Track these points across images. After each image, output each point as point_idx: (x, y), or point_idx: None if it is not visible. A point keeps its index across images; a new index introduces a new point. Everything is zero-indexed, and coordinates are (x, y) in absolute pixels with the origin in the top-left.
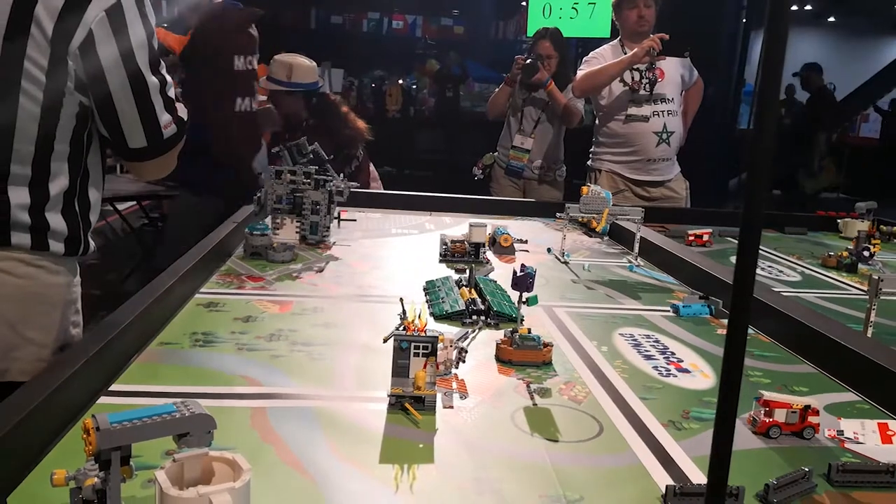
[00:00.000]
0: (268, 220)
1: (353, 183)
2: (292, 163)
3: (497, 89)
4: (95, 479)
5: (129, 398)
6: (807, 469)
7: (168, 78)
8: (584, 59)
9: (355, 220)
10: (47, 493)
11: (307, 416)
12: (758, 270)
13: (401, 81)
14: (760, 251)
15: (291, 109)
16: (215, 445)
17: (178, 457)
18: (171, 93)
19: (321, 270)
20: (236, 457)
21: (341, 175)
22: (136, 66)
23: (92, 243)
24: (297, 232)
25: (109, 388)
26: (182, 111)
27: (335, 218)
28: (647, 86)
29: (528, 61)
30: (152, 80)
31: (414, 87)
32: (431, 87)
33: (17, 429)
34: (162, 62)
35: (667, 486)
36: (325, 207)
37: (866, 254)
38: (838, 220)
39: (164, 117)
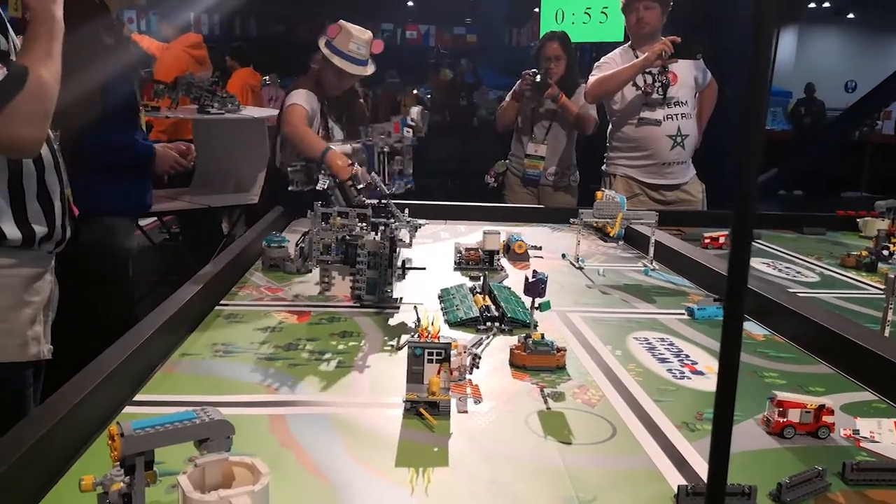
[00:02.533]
0: (285, 234)
1: (420, 221)
2: (345, 202)
3: (504, 103)
4: (121, 484)
5: (153, 407)
6: (820, 468)
7: None
8: (596, 64)
9: (424, 269)
10: (76, 499)
11: (325, 423)
12: (775, 272)
13: (415, 91)
14: (778, 252)
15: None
16: (236, 452)
17: (199, 462)
18: None
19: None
20: (255, 461)
21: (405, 211)
22: None
23: (29, 231)
24: (351, 288)
25: (134, 398)
26: None
27: (399, 268)
28: (660, 89)
29: (537, 78)
30: None
31: (429, 96)
32: (445, 95)
33: (46, 438)
34: None
35: (679, 487)
36: (386, 259)
37: (886, 252)
38: (858, 220)
39: None
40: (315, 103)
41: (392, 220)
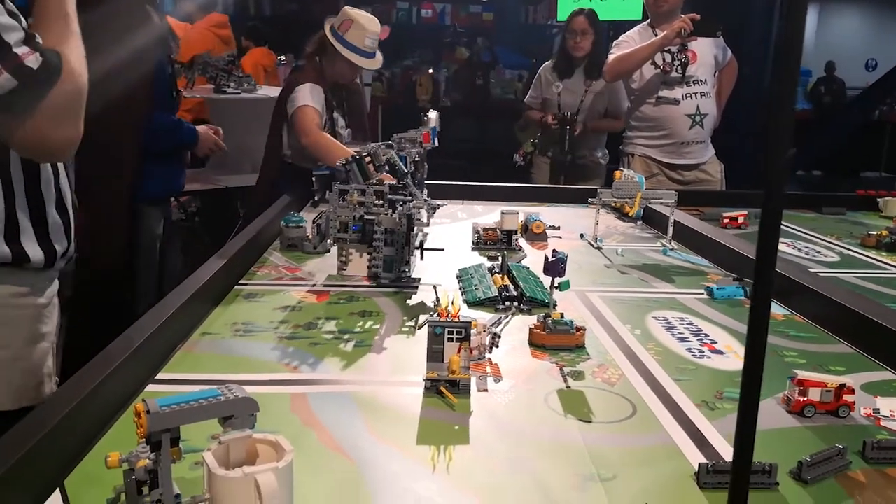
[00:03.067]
0: (303, 214)
1: (439, 202)
2: (363, 179)
3: (528, 115)
4: (147, 461)
5: (174, 386)
6: (841, 446)
7: (5, 20)
8: (615, 42)
9: (443, 250)
10: (102, 475)
11: (346, 401)
12: (795, 251)
13: (430, 71)
14: (797, 232)
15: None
16: (258, 430)
17: (223, 439)
18: (10, 36)
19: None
20: (279, 439)
21: (423, 190)
22: None
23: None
24: (368, 267)
25: (156, 377)
26: (31, 59)
27: (416, 248)
28: (679, 68)
29: (559, 118)
30: None
31: (445, 75)
32: (461, 75)
33: (71, 416)
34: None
35: (700, 464)
36: (403, 236)
37: None
38: (878, 199)
39: None
40: (321, 96)
41: (410, 199)
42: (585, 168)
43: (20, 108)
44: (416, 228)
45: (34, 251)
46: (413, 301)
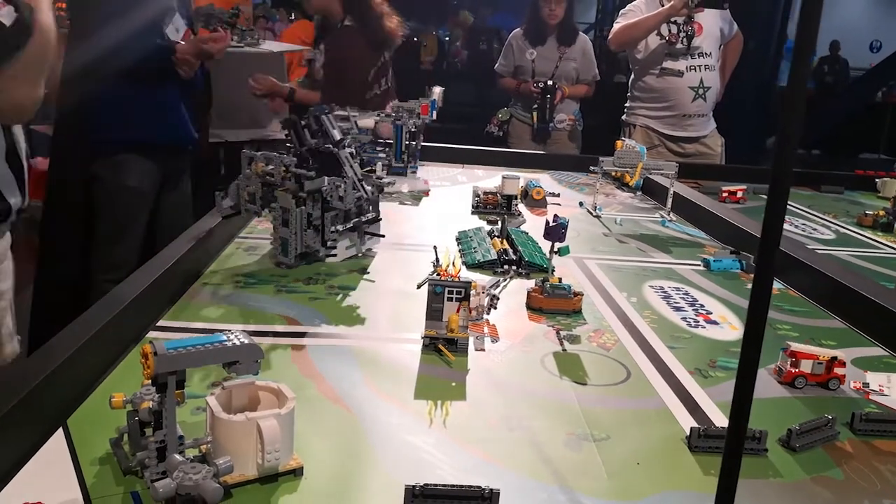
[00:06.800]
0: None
1: (385, 180)
2: (299, 144)
3: (504, 81)
4: (151, 402)
5: (176, 333)
6: (830, 417)
7: None
8: (621, 11)
9: (384, 237)
10: (104, 416)
11: (345, 355)
12: (791, 228)
13: (434, 33)
14: (795, 209)
15: (325, 3)
16: (259, 378)
17: (227, 384)
18: None
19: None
20: (281, 386)
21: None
22: None
23: None
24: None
25: (157, 324)
26: (3, 11)
27: (361, 229)
28: (685, 39)
29: (541, 86)
30: None
31: (447, 39)
32: (465, 39)
33: (74, 357)
34: None
35: (691, 429)
36: (303, 218)
37: None
38: (877, 180)
39: None
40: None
41: (343, 177)
42: (564, 133)
43: None
44: (345, 210)
45: None
46: (413, 261)
